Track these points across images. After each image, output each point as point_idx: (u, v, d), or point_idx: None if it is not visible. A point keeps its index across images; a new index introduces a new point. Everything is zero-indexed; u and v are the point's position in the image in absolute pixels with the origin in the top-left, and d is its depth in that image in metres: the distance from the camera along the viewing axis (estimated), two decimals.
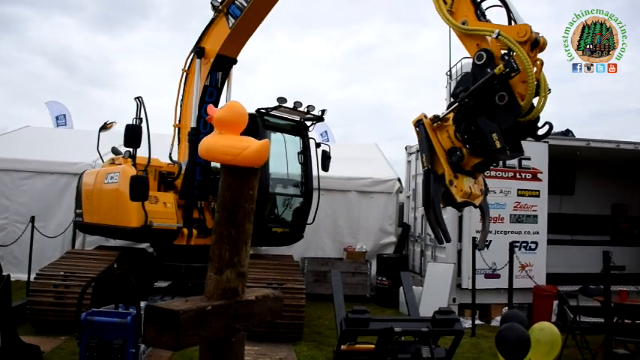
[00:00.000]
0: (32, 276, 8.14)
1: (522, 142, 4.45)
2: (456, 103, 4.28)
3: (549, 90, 4.20)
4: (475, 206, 4.59)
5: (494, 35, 4.16)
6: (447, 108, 4.43)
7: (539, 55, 4.21)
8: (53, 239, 10.30)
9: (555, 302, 8.69)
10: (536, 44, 4.13)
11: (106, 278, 7.48)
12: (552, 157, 9.79)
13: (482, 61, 4.25)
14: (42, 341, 6.56)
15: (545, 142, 9.70)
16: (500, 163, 8.92)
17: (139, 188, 7.20)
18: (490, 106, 4.12)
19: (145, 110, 7.52)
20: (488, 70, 4.17)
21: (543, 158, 9.76)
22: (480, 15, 4.57)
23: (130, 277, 7.32)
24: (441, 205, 4.39)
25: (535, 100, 4.12)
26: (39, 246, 9.90)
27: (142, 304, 5.20)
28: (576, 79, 40.62)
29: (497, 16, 4.54)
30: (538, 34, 4.12)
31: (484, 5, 4.62)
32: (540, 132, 4.25)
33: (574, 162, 12.27)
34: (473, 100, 4.17)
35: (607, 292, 6.49)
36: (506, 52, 4.24)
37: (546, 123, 4.20)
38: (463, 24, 4.51)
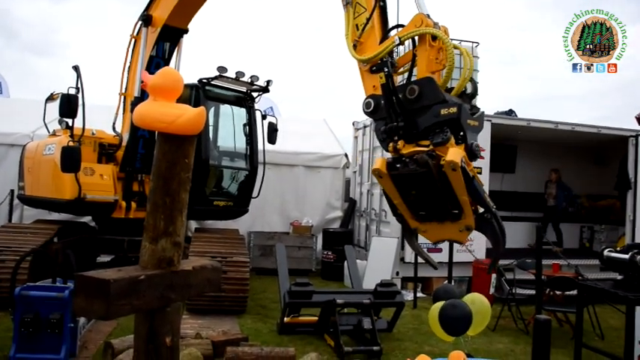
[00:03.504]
0: None
1: None
2: (395, 138, 4.01)
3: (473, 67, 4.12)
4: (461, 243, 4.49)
5: (396, 42, 4.06)
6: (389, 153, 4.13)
7: None
8: None
9: (493, 275, 8.99)
10: None
11: (44, 252, 7.27)
12: (495, 136, 10.03)
13: (370, 108, 4.20)
14: None
15: (488, 120, 9.94)
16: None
17: (69, 159, 7.00)
18: (413, 110, 3.92)
19: (81, 80, 7.28)
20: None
21: (486, 137, 9.98)
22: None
23: (68, 251, 7.16)
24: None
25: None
26: None
27: None
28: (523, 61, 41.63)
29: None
30: (437, 23, 4.03)
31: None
32: (468, 91, 4.02)
33: (516, 141, 12.66)
34: (398, 120, 3.97)
35: (538, 265, 6.77)
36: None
37: (469, 81, 4.01)
38: (364, 63, 4.34)
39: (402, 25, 4.30)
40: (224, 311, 7.33)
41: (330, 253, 10.95)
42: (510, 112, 11.15)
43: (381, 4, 4.44)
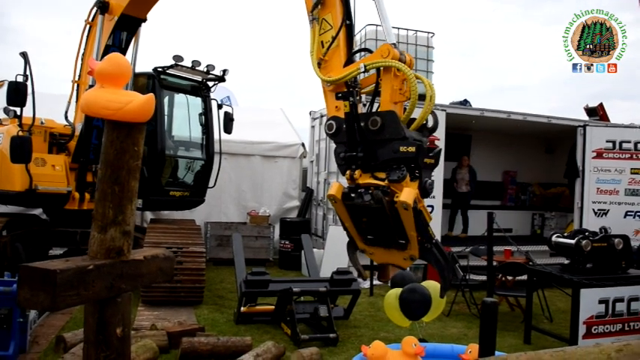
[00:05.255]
0: None
1: None
2: (353, 167, 3.99)
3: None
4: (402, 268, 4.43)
5: (361, 69, 4.02)
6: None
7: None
8: None
9: None
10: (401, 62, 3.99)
11: None
12: (450, 126, 10.18)
13: (332, 130, 4.12)
14: None
15: (442, 110, 10.09)
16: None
17: (19, 149, 6.80)
18: (374, 141, 3.89)
19: (30, 67, 7.05)
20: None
21: (441, 126, 10.11)
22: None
23: (17, 244, 6.95)
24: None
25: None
26: None
27: None
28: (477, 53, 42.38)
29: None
30: (402, 53, 4.02)
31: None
32: (429, 125, 4.06)
33: (470, 131, 12.89)
34: (357, 150, 3.95)
35: (490, 251, 6.96)
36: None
37: (430, 114, 4.02)
38: (329, 84, 4.26)
39: (367, 50, 4.33)
40: (180, 302, 7.27)
41: (287, 242, 10.96)
42: (465, 102, 11.34)
43: (347, 22, 4.38)
